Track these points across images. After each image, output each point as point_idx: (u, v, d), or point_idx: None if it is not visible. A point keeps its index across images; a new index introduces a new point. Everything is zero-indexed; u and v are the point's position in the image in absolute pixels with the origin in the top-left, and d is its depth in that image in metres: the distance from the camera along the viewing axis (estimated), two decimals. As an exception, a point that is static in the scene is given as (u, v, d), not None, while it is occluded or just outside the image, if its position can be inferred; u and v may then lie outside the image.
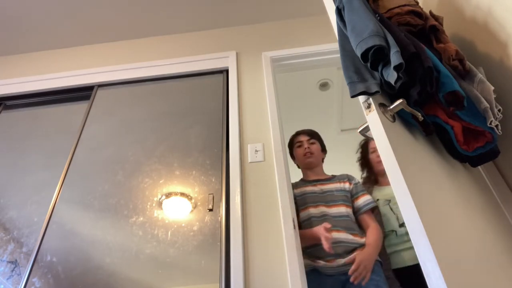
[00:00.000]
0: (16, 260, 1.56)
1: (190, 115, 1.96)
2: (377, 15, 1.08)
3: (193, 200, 1.62)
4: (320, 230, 1.38)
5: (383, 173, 1.83)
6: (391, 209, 1.68)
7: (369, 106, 0.93)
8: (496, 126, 1.01)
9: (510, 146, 1.19)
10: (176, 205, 1.64)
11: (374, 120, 0.90)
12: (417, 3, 1.36)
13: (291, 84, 2.86)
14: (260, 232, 1.44)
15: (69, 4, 2.23)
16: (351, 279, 1.32)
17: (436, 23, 1.24)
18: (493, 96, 1.05)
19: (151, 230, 1.55)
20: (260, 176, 1.62)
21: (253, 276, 1.33)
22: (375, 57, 0.93)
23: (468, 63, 1.15)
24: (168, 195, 1.66)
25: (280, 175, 1.58)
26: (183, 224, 1.55)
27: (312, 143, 1.80)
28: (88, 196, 1.70)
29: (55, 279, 1.45)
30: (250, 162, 1.67)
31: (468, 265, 0.76)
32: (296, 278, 1.27)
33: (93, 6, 2.26)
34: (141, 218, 1.59)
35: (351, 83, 0.94)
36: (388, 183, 1.78)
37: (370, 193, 1.77)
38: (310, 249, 1.50)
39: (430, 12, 1.34)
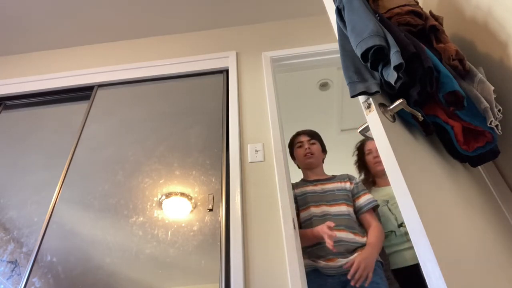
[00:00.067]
0: (16, 260, 1.56)
1: (190, 115, 1.96)
2: (377, 15, 1.08)
3: (193, 200, 1.62)
4: (323, 228, 1.37)
5: (380, 175, 1.83)
6: (389, 209, 1.68)
7: (369, 106, 0.93)
8: (496, 126, 1.01)
9: (510, 146, 1.19)
10: (176, 205, 1.64)
11: (374, 120, 0.90)
12: (417, 3, 1.36)
13: (291, 84, 2.86)
14: (260, 232, 1.44)
15: (69, 4, 2.23)
16: (352, 283, 1.32)
17: (436, 23, 1.24)
18: (493, 96, 1.05)
19: (151, 230, 1.55)
20: (260, 176, 1.62)
21: (253, 276, 1.33)
22: (375, 57, 0.93)
23: (468, 63, 1.15)
24: (168, 195, 1.66)
25: (280, 175, 1.58)
26: (183, 224, 1.55)
27: (313, 144, 1.80)
28: (88, 196, 1.70)
29: (55, 279, 1.45)
30: (250, 162, 1.67)
31: (468, 265, 0.76)
32: (296, 278, 1.27)
33: (93, 6, 2.26)
34: (141, 218, 1.59)
35: (351, 83, 0.94)
36: (385, 184, 1.79)
37: None
38: (311, 248, 1.50)
39: (430, 12, 1.34)
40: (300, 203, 1.64)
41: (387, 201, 1.70)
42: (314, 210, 1.57)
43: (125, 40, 2.48)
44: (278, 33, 2.32)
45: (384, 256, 1.61)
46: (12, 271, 1.52)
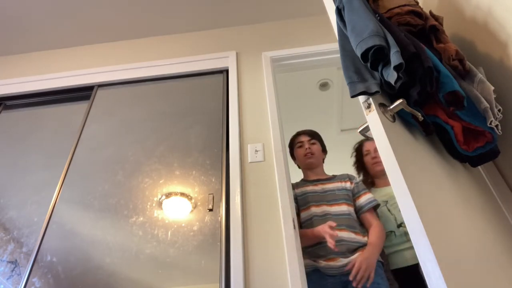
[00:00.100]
0: (16, 260, 1.56)
1: (190, 115, 1.96)
2: (377, 15, 1.08)
3: (193, 200, 1.62)
4: (324, 228, 1.37)
5: (379, 175, 1.83)
6: (389, 210, 1.68)
7: (369, 106, 0.93)
8: (496, 126, 1.01)
9: (510, 146, 1.19)
10: (176, 205, 1.64)
11: (374, 120, 0.90)
12: (417, 3, 1.36)
13: (291, 84, 2.86)
14: (260, 232, 1.44)
15: (69, 4, 2.23)
16: (354, 284, 1.31)
17: (436, 23, 1.24)
18: (493, 96, 1.05)
19: (151, 230, 1.55)
20: (260, 176, 1.62)
21: (253, 276, 1.33)
22: (375, 57, 0.93)
23: (468, 63, 1.15)
24: (168, 195, 1.66)
25: (280, 175, 1.58)
26: (183, 224, 1.55)
27: (313, 144, 1.80)
28: (88, 196, 1.70)
29: (55, 279, 1.45)
30: (250, 162, 1.67)
31: (468, 265, 0.76)
32: (296, 278, 1.27)
33: (93, 6, 2.26)
34: (141, 218, 1.59)
35: (351, 83, 0.94)
36: (384, 184, 1.79)
37: None
38: (311, 248, 1.50)
39: (430, 12, 1.34)
40: (301, 203, 1.64)
41: (386, 202, 1.70)
42: (315, 210, 1.57)
43: (125, 40, 2.48)
44: (278, 33, 2.32)
45: (383, 257, 1.61)
46: (12, 271, 1.52)
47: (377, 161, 1.82)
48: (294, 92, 2.94)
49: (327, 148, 1.89)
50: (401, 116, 1.03)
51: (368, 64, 0.94)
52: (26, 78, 2.28)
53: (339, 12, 1.07)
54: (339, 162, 2.35)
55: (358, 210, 1.60)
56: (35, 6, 2.22)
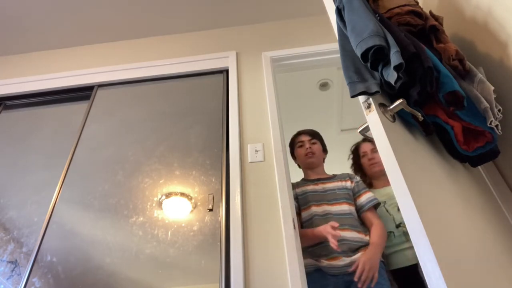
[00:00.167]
0: (16, 260, 1.56)
1: (190, 115, 1.96)
2: (377, 15, 1.08)
3: (193, 200, 1.62)
4: (326, 228, 1.37)
5: (376, 176, 1.84)
6: (387, 210, 1.68)
7: (369, 106, 0.93)
8: (496, 126, 1.01)
9: (510, 146, 1.19)
10: (176, 205, 1.64)
11: (374, 120, 0.90)
12: (417, 3, 1.36)
13: (291, 84, 2.86)
14: (260, 232, 1.44)
15: (69, 4, 2.23)
16: (359, 285, 1.31)
17: (436, 23, 1.24)
18: (493, 96, 1.05)
19: (151, 230, 1.55)
20: (260, 176, 1.62)
21: (253, 276, 1.33)
22: (375, 57, 0.93)
23: (468, 63, 1.15)
24: (168, 195, 1.66)
25: (280, 175, 1.58)
26: (183, 224, 1.55)
27: (314, 143, 1.80)
28: (88, 196, 1.70)
29: (55, 279, 1.45)
30: (250, 162, 1.67)
31: (468, 265, 0.76)
32: (296, 278, 1.27)
33: (93, 6, 2.26)
34: (141, 218, 1.59)
35: (351, 83, 0.94)
36: (382, 185, 1.80)
37: None
38: (312, 248, 1.50)
39: (430, 12, 1.34)
40: (301, 202, 1.63)
41: (384, 202, 1.71)
42: (315, 209, 1.57)
43: (125, 40, 2.47)
44: (278, 33, 2.32)
45: (383, 257, 1.61)
46: (12, 271, 1.53)
47: (374, 162, 1.83)
48: (294, 92, 2.94)
49: (327, 148, 1.89)
50: (401, 116, 1.03)
51: (368, 64, 0.94)
52: (26, 78, 2.28)
53: (339, 12, 1.07)
54: (339, 162, 2.35)
55: (359, 209, 1.60)
56: (35, 6, 2.22)
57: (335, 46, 2.09)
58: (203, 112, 1.95)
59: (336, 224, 1.35)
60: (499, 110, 1.04)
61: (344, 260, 1.42)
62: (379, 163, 1.81)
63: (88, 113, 2.07)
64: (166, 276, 1.41)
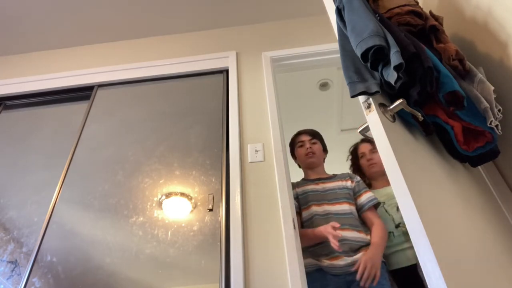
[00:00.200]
0: (16, 260, 1.56)
1: (190, 115, 1.96)
2: (377, 15, 1.08)
3: (193, 200, 1.62)
4: (327, 228, 1.37)
5: (375, 177, 1.84)
6: (386, 210, 1.68)
7: (369, 106, 0.93)
8: (496, 126, 1.01)
9: (510, 146, 1.19)
10: (176, 205, 1.64)
11: (374, 120, 0.90)
12: (417, 3, 1.36)
13: (291, 84, 2.86)
14: (260, 232, 1.44)
15: (69, 4, 2.23)
16: (362, 283, 1.31)
17: (436, 23, 1.24)
18: (493, 96, 1.05)
19: (151, 230, 1.55)
20: (260, 176, 1.62)
21: (253, 276, 1.33)
22: (375, 57, 0.93)
23: (468, 63, 1.15)
24: (168, 195, 1.66)
25: (280, 175, 1.58)
26: (183, 224, 1.55)
27: (314, 143, 1.80)
28: (88, 196, 1.70)
29: (55, 279, 1.45)
30: (250, 162, 1.67)
31: (468, 265, 0.76)
32: (296, 278, 1.27)
33: (93, 6, 2.26)
34: (141, 218, 1.59)
35: (351, 83, 0.94)
36: (381, 186, 1.80)
37: None
38: (313, 248, 1.49)
39: (430, 12, 1.34)
40: (302, 202, 1.63)
41: (384, 203, 1.71)
42: (316, 209, 1.57)
43: (125, 40, 2.47)
44: (278, 33, 2.32)
45: (384, 257, 1.61)
46: (12, 271, 1.53)
47: (373, 163, 1.83)
48: (294, 92, 2.94)
49: (327, 148, 1.89)
50: (401, 116, 1.03)
51: (368, 64, 0.94)
52: (26, 78, 2.28)
53: (339, 12, 1.07)
54: (339, 162, 2.35)
55: (359, 209, 1.60)
56: (35, 6, 2.22)
57: (335, 46, 2.08)
58: (203, 112, 1.95)
59: (337, 225, 1.35)
60: (499, 110, 1.04)
61: (345, 260, 1.41)
62: (378, 164, 1.81)
63: (88, 113, 2.07)
64: (166, 276, 1.41)
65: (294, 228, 1.41)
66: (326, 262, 1.43)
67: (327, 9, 1.22)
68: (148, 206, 1.63)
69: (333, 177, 1.73)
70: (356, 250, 1.45)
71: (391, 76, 0.88)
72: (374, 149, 1.86)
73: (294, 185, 1.71)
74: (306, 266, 1.42)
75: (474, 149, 1.08)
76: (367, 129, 0.97)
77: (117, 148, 1.86)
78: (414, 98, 0.97)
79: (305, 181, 1.75)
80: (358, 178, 1.73)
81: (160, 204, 1.63)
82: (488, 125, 1.01)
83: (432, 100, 1.07)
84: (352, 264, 1.40)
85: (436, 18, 1.29)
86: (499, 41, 1.19)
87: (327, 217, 1.53)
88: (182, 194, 1.65)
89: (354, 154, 1.97)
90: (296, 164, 1.89)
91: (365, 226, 1.57)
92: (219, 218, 1.53)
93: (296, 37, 2.26)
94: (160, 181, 1.71)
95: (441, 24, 1.27)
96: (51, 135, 2.02)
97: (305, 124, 2.38)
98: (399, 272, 1.56)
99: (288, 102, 2.99)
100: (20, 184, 1.82)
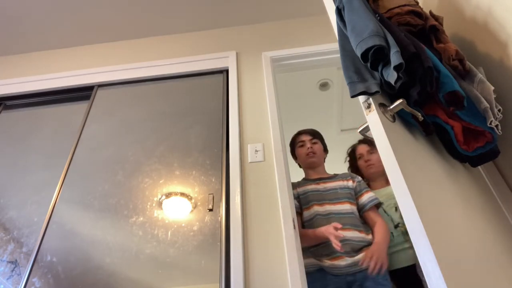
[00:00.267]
0: (16, 260, 1.56)
1: (190, 115, 1.96)
2: (377, 15, 1.08)
3: (193, 200, 1.62)
4: (328, 229, 1.36)
5: (373, 177, 1.84)
6: (385, 211, 1.68)
7: (369, 106, 0.93)
8: (496, 126, 1.01)
9: (510, 146, 1.19)
10: (176, 205, 1.64)
11: (374, 120, 0.90)
12: (417, 3, 1.36)
13: (291, 84, 2.86)
14: (260, 232, 1.44)
15: (69, 4, 2.23)
16: (369, 270, 1.31)
17: (436, 23, 1.24)
18: (493, 96, 1.05)
19: (151, 230, 1.55)
20: (260, 176, 1.62)
21: (253, 276, 1.33)
22: (375, 57, 0.93)
23: (468, 63, 1.15)
24: (168, 195, 1.66)
25: (280, 175, 1.58)
26: (183, 224, 1.55)
27: (315, 143, 1.80)
28: (88, 196, 1.70)
29: (55, 279, 1.45)
30: (250, 162, 1.67)
31: (468, 265, 0.76)
32: (296, 278, 1.27)
33: (93, 6, 2.26)
34: (141, 218, 1.59)
35: (351, 83, 0.94)
36: (379, 186, 1.80)
37: None
38: (315, 247, 1.49)
39: (430, 12, 1.34)
40: (303, 201, 1.63)
41: (382, 203, 1.71)
42: (318, 208, 1.57)
43: (125, 40, 2.47)
44: (278, 33, 2.32)
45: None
46: (12, 271, 1.53)
47: (370, 163, 1.83)
48: (294, 92, 2.94)
49: (327, 148, 1.89)
50: (401, 116, 1.03)
51: (368, 64, 0.94)
52: (26, 78, 2.28)
53: (339, 12, 1.07)
54: (339, 162, 2.35)
55: (360, 209, 1.60)
56: (35, 6, 2.22)
57: (335, 46, 2.08)
58: (203, 112, 1.95)
59: (339, 225, 1.35)
60: (499, 110, 1.04)
61: (346, 260, 1.41)
62: (376, 165, 1.81)
63: (88, 113, 2.07)
64: (166, 276, 1.41)
65: (294, 228, 1.41)
66: (327, 262, 1.43)
67: (327, 9, 1.22)
68: (148, 206, 1.63)
69: (334, 177, 1.73)
70: (358, 250, 1.45)
71: (391, 76, 0.88)
72: (371, 150, 1.86)
73: (295, 185, 1.71)
74: (307, 266, 1.43)
75: (474, 149, 1.08)
76: (367, 129, 0.97)
77: (117, 148, 1.86)
78: (414, 98, 0.97)
79: (306, 181, 1.75)
80: (359, 178, 1.73)
81: (160, 204, 1.63)
82: (488, 125, 1.01)
83: (432, 100, 1.07)
84: (353, 264, 1.40)
85: (436, 18, 1.29)
86: (499, 41, 1.19)
87: (328, 217, 1.52)
88: (182, 194, 1.65)
89: (352, 155, 1.98)
90: (297, 164, 1.89)
91: (366, 226, 1.57)
92: (219, 218, 1.53)
93: (296, 37, 2.26)
94: (160, 181, 1.71)
95: (441, 24, 1.27)
96: (51, 135, 2.02)
97: (305, 124, 2.38)
98: (398, 272, 1.56)
99: (288, 102, 2.99)
100: (20, 184, 1.82)
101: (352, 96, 0.93)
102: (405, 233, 1.59)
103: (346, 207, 1.57)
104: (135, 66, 2.24)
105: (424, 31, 1.24)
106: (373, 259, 1.33)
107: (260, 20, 2.42)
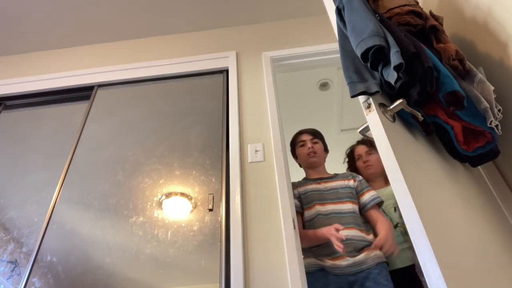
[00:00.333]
0: (16, 260, 1.56)
1: (190, 115, 1.96)
2: (377, 15, 1.08)
3: (193, 200, 1.62)
4: (330, 230, 1.36)
5: (372, 178, 1.84)
6: (384, 211, 1.68)
7: (369, 106, 0.93)
8: (496, 126, 1.01)
9: (510, 146, 1.19)
10: (176, 205, 1.64)
11: (374, 120, 0.90)
12: (417, 3, 1.36)
13: (291, 84, 2.86)
14: (260, 232, 1.44)
15: (69, 4, 2.23)
16: (383, 250, 1.36)
17: (436, 23, 1.24)
18: (493, 96, 1.05)
19: (151, 230, 1.55)
20: (260, 176, 1.62)
21: (253, 276, 1.33)
22: (375, 57, 0.93)
23: (468, 63, 1.15)
24: (168, 195, 1.66)
25: (280, 175, 1.58)
26: (183, 224, 1.55)
27: (315, 143, 1.80)
28: (88, 196, 1.70)
29: (55, 279, 1.45)
30: (250, 162, 1.67)
31: (468, 265, 0.76)
32: (296, 278, 1.27)
33: (93, 6, 2.26)
34: (141, 218, 1.59)
35: (351, 83, 0.94)
36: (378, 187, 1.80)
37: None
38: (316, 247, 1.49)
39: (430, 12, 1.34)
40: (304, 201, 1.63)
41: (383, 202, 1.71)
42: (320, 208, 1.57)
43: (125, 40, 2.47)
44: (278, 33, 2.32)
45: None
46: (12, 271, 1.53)
47: (369, 164, 1.83)
48: (294, 92, 2.94)
49: (328, 147, 1.89)
50: (401, 116, 1.03)
51: (368, 64, 0.94)
52: (26, 78, 2.28)
53: (339, 12, 1.07)
54: (339, 162, 2.35)
55: (362, 208, 1.60)
56: (35, 6, 2.22)
57: (335, 46, 2.08)
58: (203, 112, 1.95)
59: (340, 227, 1.34)
60: (499, 110, 1.04)
61: (347, 260, 1.41)
62: (374, 166, 1.81)
63: (88, 113, 2.07)
64: (166, 276, 1.41)
65: (294, 228, 1.41)
66: (328, 262, 1.43)
67: (327, 9, 1.22)
68: (148, 206, 1.63)
69: (335, 177, 1.73)
70: (360, 250, 1.44)
71: (391, 76, 0.88)
72: (370, 151, 1.87)
73: (296, 185, 1.71)
74: (308, 266, 1.42)
75: (474, 149, 1.08)
76: (367, 129, 0.97)
77: (117, 148, 1.86)
78: (414, 98, 0.97)
79: (307, 180, 1.75)
80: (360, 177, 1.73)
81: (160, 204, 1.63)
82: (488, 125, 1.01)
83: (432, 100, 1.07)
84: (354, 264, 1.40)
85: (436, 18, 1.29)
86: (499, 41, 1.19)
87: (329, 217, 1.52)
88: (182, 194, 1.65)
89: (351, 156, 1.98)
90: (297, 164, 1.89)
91: (367, 225, 1.57)
92: (219, 218, 1.53)
93: (296, 37, 2.26)
94: (160, 181, 1.71)
95: (441, 24, 1.27)
96: (51, 135, 2.02)
97: (305, 124, 2.38)
98: (397, 273, 1.56)
99: (288, 102, 2.99)
100: (20, 184, 1.82)
101: (352, 96, 0.93)
102: (404, 233, 1.59)
103: (348, 206, 1.56)
104: (135, 66, 2.24)
105: (424, 31, 1.24)
106: (384, 244, 1.35)
107: (260, 20, 2.42)
